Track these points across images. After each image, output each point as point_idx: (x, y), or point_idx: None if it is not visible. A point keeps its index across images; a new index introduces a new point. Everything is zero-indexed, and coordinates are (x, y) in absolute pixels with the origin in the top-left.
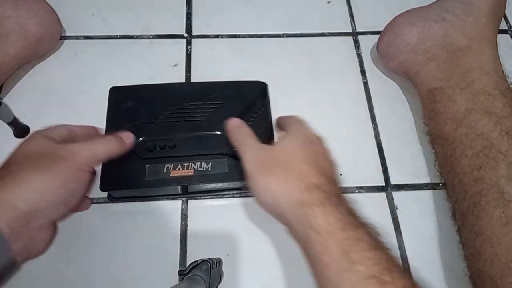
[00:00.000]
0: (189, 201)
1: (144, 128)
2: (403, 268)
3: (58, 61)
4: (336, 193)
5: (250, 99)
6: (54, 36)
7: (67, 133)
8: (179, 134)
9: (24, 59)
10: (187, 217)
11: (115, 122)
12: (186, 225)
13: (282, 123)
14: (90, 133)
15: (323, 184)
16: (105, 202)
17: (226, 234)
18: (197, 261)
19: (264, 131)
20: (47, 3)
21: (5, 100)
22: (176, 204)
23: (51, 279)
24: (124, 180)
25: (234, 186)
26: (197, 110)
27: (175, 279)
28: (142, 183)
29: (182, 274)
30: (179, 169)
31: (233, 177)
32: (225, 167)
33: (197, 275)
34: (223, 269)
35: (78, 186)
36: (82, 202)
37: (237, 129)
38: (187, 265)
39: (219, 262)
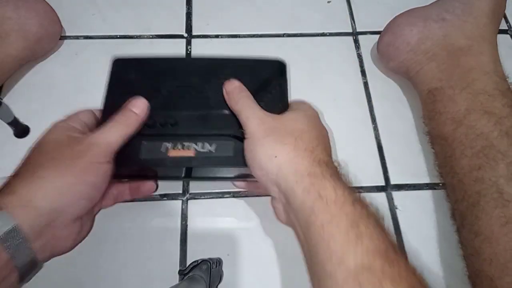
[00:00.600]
0: (189, 201)
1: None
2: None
3: (58, 61)
4: (341, 174)
5: (265, 78)
6: (54, 36)
7: (91, 118)
8: (183, 111)
9: (24, 59)
10: (187, 217)
11: (115, 94)
12: (186, 225)
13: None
14: None
15: (331, 162)
16: None
17: (226, 234)
18: (197, 261)
19: (276, 112)
20: (47, 3)
21: (5, 100)
22: (176, 204)
23: (51, 279)
24: (118, 156)
25: (240, 172)
26: (205, 86)
27: (175, 279)
28: (136, 162)
29: (182, 274)
30: (178, 148)
31: (239, 162)
32: (230, 150)
33: (197, 275)
34: (223, 269)
35: (98, 179)
36: (141, 188)
37: (238, 92)
38: (187, 265)
39: (219, 262)
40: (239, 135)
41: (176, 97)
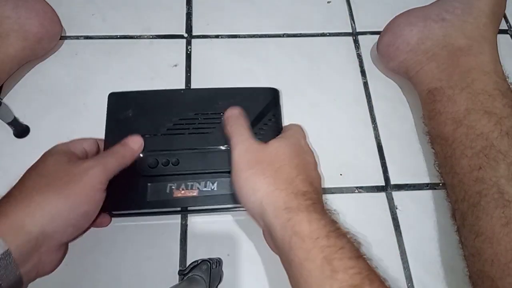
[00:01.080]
0: None
1: (145, 141)
2: (383, 279)
3: (58, 61)
4: (321, 203)
5: (260, 108)
6: (54, 36)
7: (92, 146)
8: (183, 148)
9: (24, 59)
10: (187, 217)
11: (114, 133)
12: (186, 225)
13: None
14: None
15: (310, 192)
16: None
17: (226, 233)
18: (197, 261)
19: None
20: (47, 3)
21: (5, 100)
22: None
23: (51, 279)
24: (126, 200)
25: (239, 207)
26: (202, 121)
27: (175, 279)
28: (144, 204)
29: (182, 274)
30: (182, 189)
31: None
32: (231, 187)
33: (197, 275)
34: (223, 269)
35: (91, 207)
36: (97, 219)
37: (235, 119)
38: (187, 265)
39: (219, 262)
40: None
41: (174, 134)
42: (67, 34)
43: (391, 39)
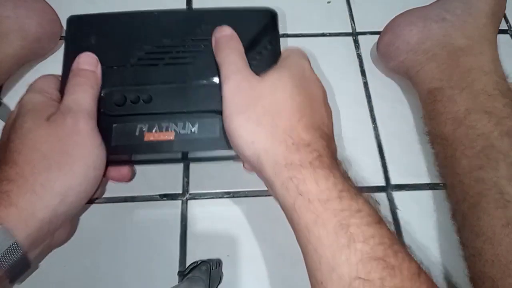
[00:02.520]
0: (189, 201)
1: (111, 74)
2: (407, 248)
3: (58, 61)
4: (329, 152)
5: (254, 34)
6: (54, 36)
7: (55, 82)
8: (157, 83)
9: (23, 59)
10: (187, 217)
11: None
12: (186, 225)
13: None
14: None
15: (315, 140)
16: (105, 203)
17: (226, 234)
18: (196, 262)
19: None
20: (47, 3)
21: (5, 100)
22: (176, 204)
23: (51, 279)
24: None
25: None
26: (182, 49)
27: (175, 279)
28: (108, 149)
29: (181, 275)
30: (156, 131)
31: (227, 144)
32: (216, 129)
33: (197, 276)
34: (223, 270)
35: (98, 163)
36: (113, 173)
37: (226, 41)
38: (187, 266)
39: (218, 263)
40: None
41: (147, 65)
42: None
43: (391, 39)
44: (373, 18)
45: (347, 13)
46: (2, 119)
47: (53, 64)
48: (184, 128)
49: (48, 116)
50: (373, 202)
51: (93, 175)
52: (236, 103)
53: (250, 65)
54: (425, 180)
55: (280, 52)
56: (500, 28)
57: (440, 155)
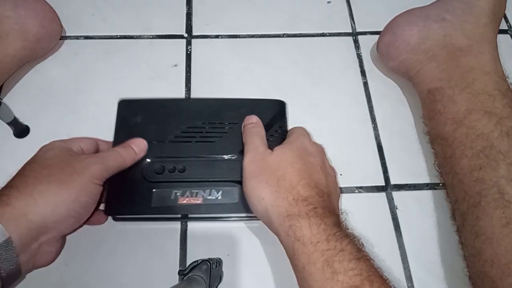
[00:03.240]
0: None
1: (153, 147)
2: (385, 279)
3: (58, 61)
4: (323, 205)
5: (267, 119)
6: (54, 36)
7: (90, 146)
8: (190, 156)
9: (24, 59)
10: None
11: (123, 139)
12: (186, 226)
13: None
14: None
15: (312, 196)
16: None
17: (226, 234)
18: (197, 261)
19: None
20: (47, 3)
21: (5, 100)
22: None
23: (51, 279)
24: (130, 204)
25: (243, 216)
26: (210, 130)
27: (175, 279)
28: (148, 209)
29: (182, 274)
30: (187, 196)
31: (244, 209)
32: (236, 196)
33: (197, 275)
34: (223, 269)
35: (90, 200)
36: (92, 216)
37: (251, 127)
38: (187, 265)
39: (219, 262)
40: None
41: (182, 142)
42: (67, 34)
43: (391, 39)
44: (373, 18)
45: (347, 13)
46: (2, 119)
47: (53, 64)
48: (210, 194)
49: (68, 155)
50: (357, 242)
51: (85, 200)
52: (251, 170)
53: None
54: (425, 180)
55: (287, 131)
56: (500, 28)
57: (440, 155)
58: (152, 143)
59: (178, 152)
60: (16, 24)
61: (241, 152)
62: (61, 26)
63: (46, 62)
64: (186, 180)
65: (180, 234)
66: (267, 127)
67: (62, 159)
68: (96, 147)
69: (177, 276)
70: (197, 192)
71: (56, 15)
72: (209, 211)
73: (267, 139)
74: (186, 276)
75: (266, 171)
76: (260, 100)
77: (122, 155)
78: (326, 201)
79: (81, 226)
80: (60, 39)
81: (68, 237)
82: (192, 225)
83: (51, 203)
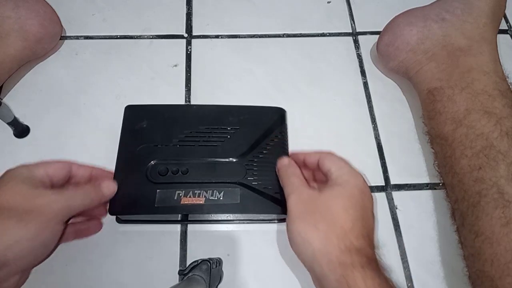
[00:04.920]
0: None
1: (157, 150)
2: None
3: (58, 61)
4: (375, 258)
5: (267, 126)
6: (54, 36)
7: (58, 171)
8: (193, 159)
9: (24, 59)
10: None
11: (128, 142)
12: (186, 225)
13: (322, 163)
14: (92, 175)
15: (364, 248)
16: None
17: (226, 234)
18: (197, 261)
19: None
20: (47, 3)
21: (5, 100)
22: None
23: (50, 279)
24: (134, 204)
25: (244, 218)
26: (213, 134)
27: (175, 279)
28: (152, 209)
29: (182, 274)
30: (190, 196)
31: (245, 209)
32: (237, 197)
33: (197, 275)
34: (223, 269)
35: (50, 238)
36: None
37: (286, 168)
38: (187, 265)
39: (219, 262)
40: (245, 182)
41: (185, 146)
42: (67, 34)
43: (391, 39)
44: (373, 18)
45: (347, 13)
46: (2, 119)
47: (53, 64)
48: (212, 195)
49: (30, 188)
50: None
51: (45, 238)
52: (298, 211)
53: (263, 150)
54: (425, 180)
55: (287, 142)
56: (500, 28)
57: (440, 155)
58: (157, 146)
59: (182, 155)
60: (16, 24)
61: (243, 156)
62: (61, 26)
63: (46, 62)
64: (189, 181)
65: (180, 234)
66: (267, 133)
67: (23, 193)
68: (67, 172)
69: (177, 276)
70: (199, 193)
71: (56, 15)
72: (211, 211)
73: (267, 144)
74: (186, 276)
75: (315, 213)
76: (261, 107)
77: (90, 196)
78: (375, 253)
79: (46, 258)
80: (60, 39)
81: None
82: (192, 226)
83: (9, 240)
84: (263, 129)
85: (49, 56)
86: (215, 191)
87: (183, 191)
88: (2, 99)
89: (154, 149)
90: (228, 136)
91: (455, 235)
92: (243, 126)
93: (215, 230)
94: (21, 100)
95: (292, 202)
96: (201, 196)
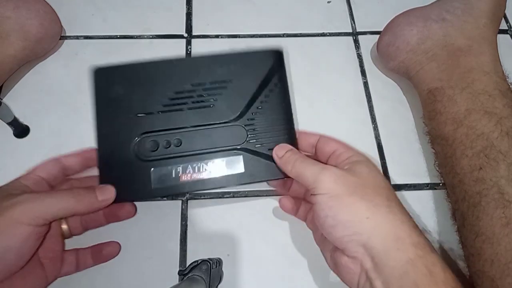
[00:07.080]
0: (189, 201)
1: (141, 121)
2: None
3: (58, 61)
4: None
5: (263, 74)
6: (54, 36)
7: (52, 169)
8: (183, 126)
9: (24, 59)
10: (187, 217)
11: (105, 115)
12: (186, 225)
13: (324, 144)
14: (85, 158)
15: (410, 220)
16: None
17: (226, 234)
18: (197, 261)
19: (281, 114)
20: (47, 3)
21: (5, 100)
22: (176, 204)
23: None
24: (129, 188)
25: (249, 187)
26: (202, 92)
27: (175, 279)
28: (150, 192)
29: (182, 274)
30: (189, 172)
31: (251, 176)
32: (241, 165)
33: (197, 275)
34: (223, 269)
35: (16, 244)
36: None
37: (291, 156)
38: (187, 265)
39: (219, 262)
40: (247, 147)
41: (173, 111)
42: (67, 34)
43: (391, 39)
44: (373, 18)
45: (347, 13)
46: (2, 119)
47: (53, 64)
48: (213, 167)
49: (5, 196)
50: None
51: (9, 244)
52: (342, 188)
53: (262, 104)
54: (425, 180)
55: (288, 90)
56: (500, 28)
57: (440, 155)
58: (139, 116)
59: (170, 123)
60: (16, 25)
61: (241, 115)
62: (61, 26)
63: (46, 62)
64: (185, 154)
65: (180, 234)
66: (265, 82)
67: None
68: (60, 168)
69: (177, 276)
70: (199, 166)
71: (56, 16)
72: (215, 185)
73: (267, 96)
74: (186, 276)
75: (365, 187)
76: (253, 52)
77: (77, 197)
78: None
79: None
80: (60, 39)
81: None
82: (192, 224)
83: None
84: (260, 78)
85: (49, 56)
86: (215, 162)
87: (181, 167)
88: (2, 99)
89: (137, 120)
90: (220, 93)
91: (456, 235)
92: (236, 78)
93: (215, 230)
94: (21, 100)
95: (330, 179)
96: (201, 170)
